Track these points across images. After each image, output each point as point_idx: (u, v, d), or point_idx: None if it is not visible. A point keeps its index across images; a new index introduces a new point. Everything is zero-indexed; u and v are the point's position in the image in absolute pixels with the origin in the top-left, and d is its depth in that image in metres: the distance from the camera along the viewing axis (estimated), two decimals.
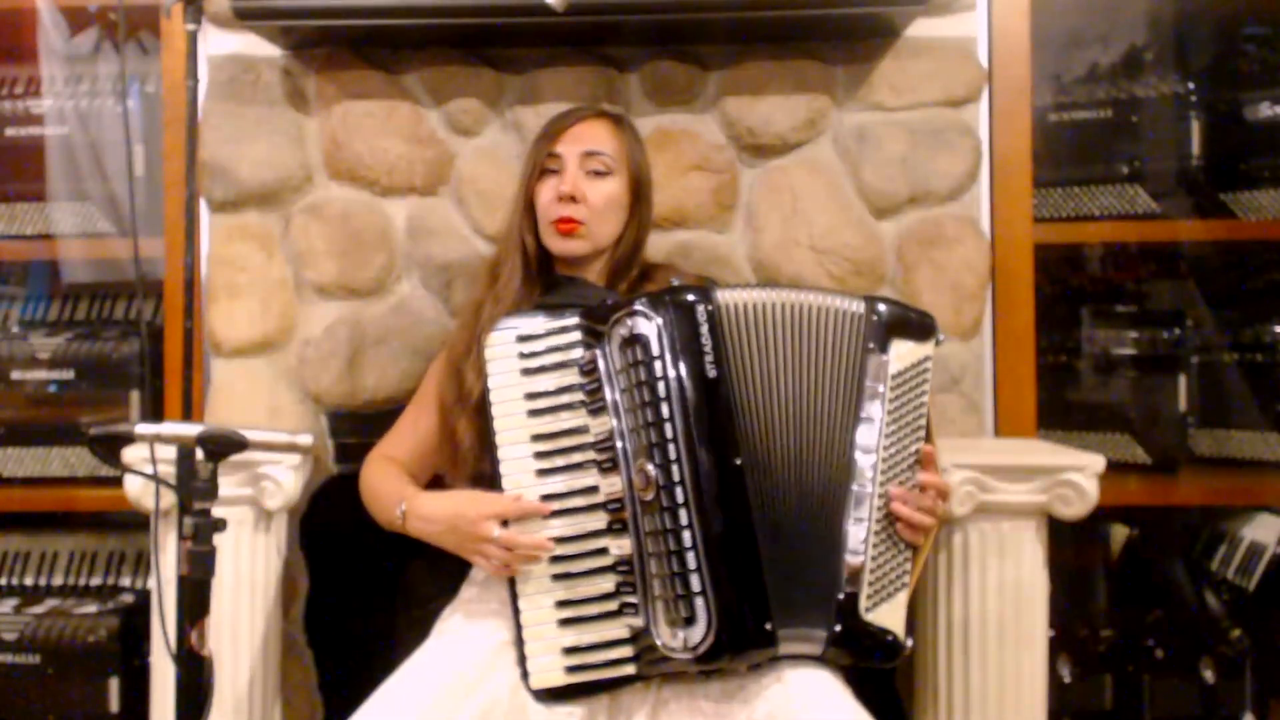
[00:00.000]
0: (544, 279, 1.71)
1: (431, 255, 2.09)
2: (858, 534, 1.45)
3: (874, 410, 1.47)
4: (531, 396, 1.48)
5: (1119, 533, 2.52)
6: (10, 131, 2.41)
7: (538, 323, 1.51)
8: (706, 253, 2.08)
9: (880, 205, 2.09)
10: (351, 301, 2.11)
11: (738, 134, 2.10)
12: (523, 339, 1.50)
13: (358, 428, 2.09)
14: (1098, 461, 1.79)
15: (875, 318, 1.50)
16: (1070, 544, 2.38)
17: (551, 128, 1.71)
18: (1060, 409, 2.36)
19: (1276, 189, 2.31)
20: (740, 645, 1.38)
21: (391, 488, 1.64)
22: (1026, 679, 1.82)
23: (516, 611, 1.46)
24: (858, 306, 1.50)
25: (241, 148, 2.09)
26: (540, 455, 1.47)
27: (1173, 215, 2.35)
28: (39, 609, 2.28)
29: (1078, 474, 1.78)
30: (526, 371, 1.49)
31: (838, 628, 1.43)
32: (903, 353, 1.50)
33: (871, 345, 1.49)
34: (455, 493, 1.55)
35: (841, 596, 1.43)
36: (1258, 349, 2.37)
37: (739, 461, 1.40)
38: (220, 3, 2.03)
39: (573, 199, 1.65)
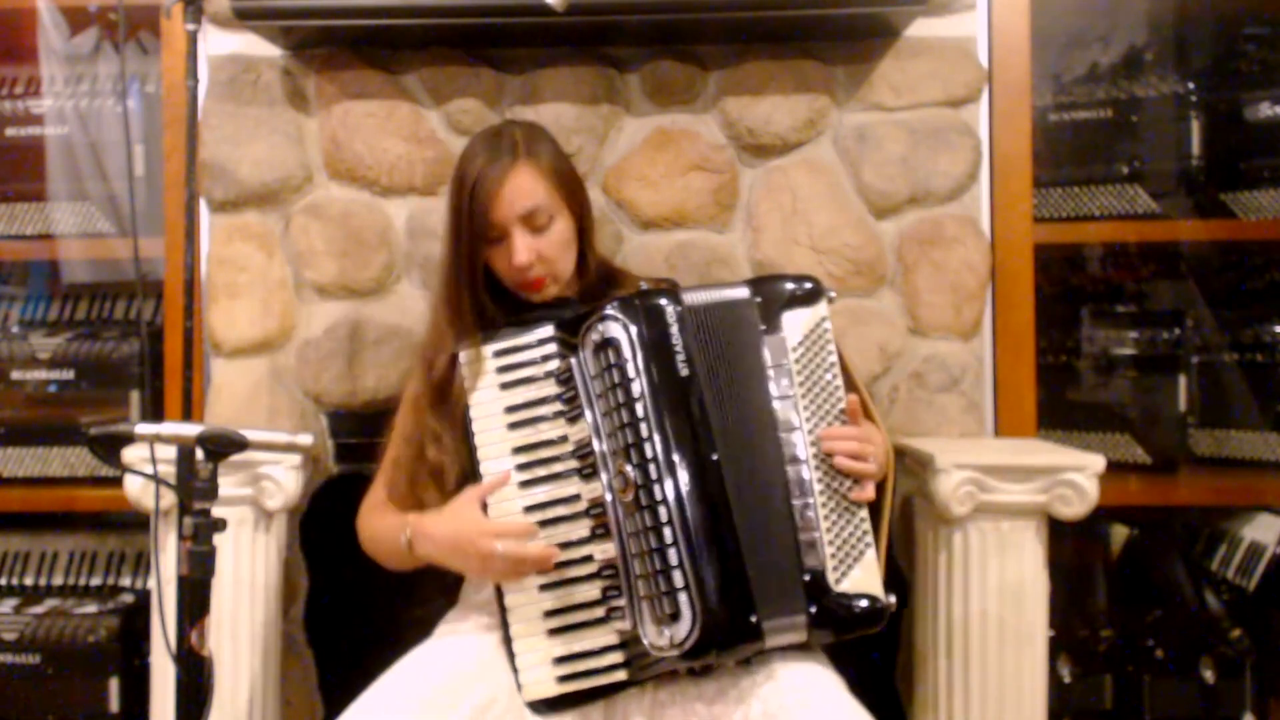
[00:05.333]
0: (513, 302, 1.68)
1: (431, 255, 2.09)
2: (805, 510, 1.44)
3: (786, 387, 1.47)
4: (511, 410, 1.51)
5: (1119, 533, 2.52)
6: (10, 131, 2.41)
7: (514, 337, 1.53)
8: (706, 253, 2.09)
9: (880, 205, 2.09)
10: (351, 301, 2.11)
11: (738, 134, 2.10)
12: (499, 353, 1.53)
13: (358, 428, 2.09)
14: (1098, 461, 1.79)
15: (759, 299, 1.51)
16: (1070, 544, 2.38)
17: (477, 192, 1.60)
18: (1060, 409, 2.36)
19: (1276, 189, 2.31)
20: (727, 639, 1.38)
21: (392, 521, 1.61)
22: (1026, 679, 1.82)
23: (506, 625, 1.47)
24: (742, 294, 1.51)
25: (241, 148, 2.09)
26: (522, 467, 1.49)
27: (1173, 215, 2.35)
28: (39, 609, 2.28)
29: (1078, 474, 1.78)
30: (505, 385, 1.52)
31: (813, 609, 1.42)
32: (798, 323, 1.50)
33: (764, 327, 1.49)
34: (454, 507, 1.51)
35: (808, 578, 1.42)
36: (1258, 349, 2.37)
37: (716, 457, 1.41)
38: (220, 3, 2.04)
39: (531, 264, 1.63)
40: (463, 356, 1.54)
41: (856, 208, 2.10)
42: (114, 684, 2.18)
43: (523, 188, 1.61)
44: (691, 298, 1.48)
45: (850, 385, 1.52)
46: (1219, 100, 2.36)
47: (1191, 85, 2.36)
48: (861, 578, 1.45)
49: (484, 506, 1.48)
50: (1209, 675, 2.19)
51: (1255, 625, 2.24)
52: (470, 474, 1.53)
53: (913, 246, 2.08)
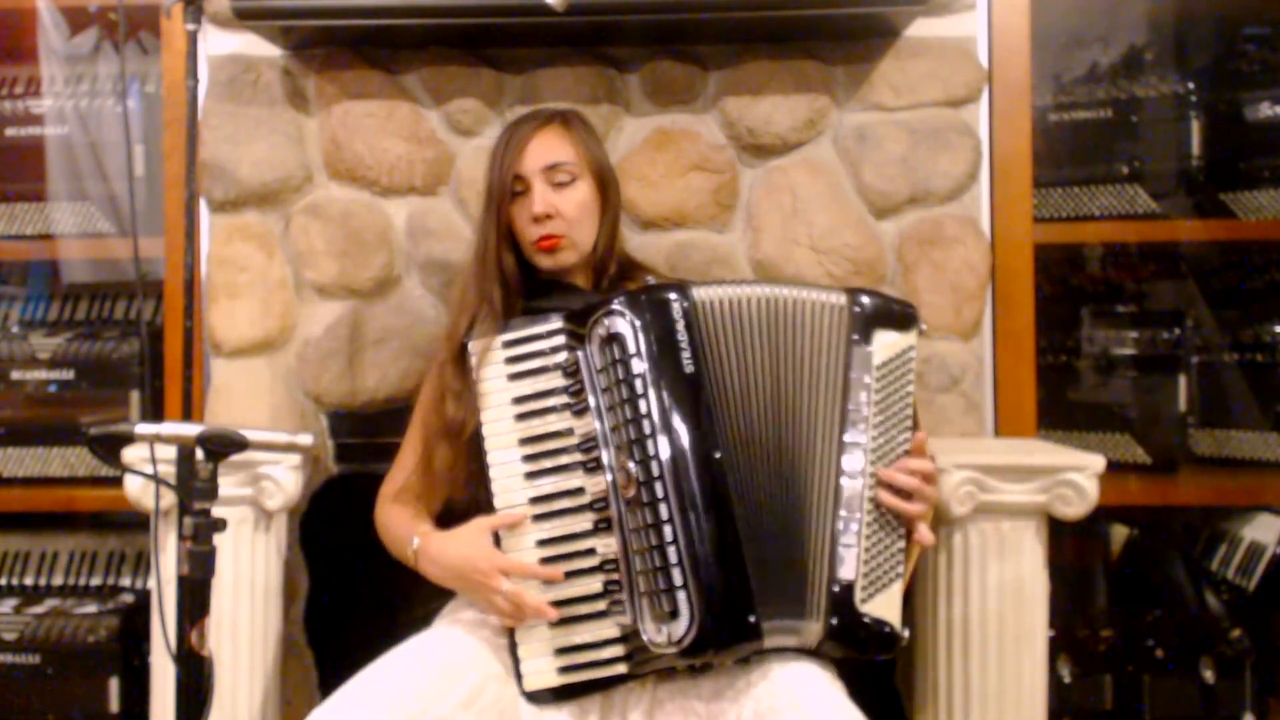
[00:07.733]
0: (528, 286, 1.71)
1: (431, 255, 2.09)
2: (851, 525, 1.44)
3: (860, 401, 1.47)
4: (518, 400, 1.51)
5: (1119, 533, 2.52)
6: (10, 131, 2.41)
7: (524, 328, 1.53)
8: (706, 253, 2.09)
9: (880, 205, 2.09)
10: (351, 301, 2.11)
11: (738, 134, 2.10)
12: (508, 344, 1.53)
13: (358, 428, 2.09)
14: (1098, 461, 1.79)
15: (858, 309, 1.50)
16: (1070, 544, 2.38)
17: (508, 148, 1.69)
18: (1060, 409, 2.36)
19: (1276, 189, 2.31)
20: (724, 638, 1.38)
21: (404, 525, 1.63)
22: (1026, 679, 1.82)
23: None
24: (839, 299, 1.50)
25: (241, 148, 2.09)
26: (528, 459, 1.49)
27: (1173, 215, 2.35)
28: (39, 609, 2.28)
29: (1078, 474, 1.78)
30: (513, 376, 1.52)
31: (834, 620, 1.42)
32: (887, 343, 1.50)
33: (856, 337, 1.48)
34: (465, 534, 1.52)
35: (837, 589, 1.42)
36: (1258, 349, 2.37)
37: (719, 455, 1.41)
38: (220, 3, 2.04)
39: (548, 216, 1.66)
40: (473, 346, 1.55)
41: (856, 208, 2.10)
42: (114, 684, 2.19)
43: (549, 143, 1.69)
44: (706, 292, 1.46)
45: (915, 422, 1.51)
46: (1219, 100, 2.36)
47: (1191, 85, 2.36)
48: (885, 604, 1.45)
49: (496, 539, 1.49)
50: (1209, 675, 2.19)
51: (1255, 625, 2.24)
52: (478, 465, 1.53)
53: (913, 246, 2.08)
